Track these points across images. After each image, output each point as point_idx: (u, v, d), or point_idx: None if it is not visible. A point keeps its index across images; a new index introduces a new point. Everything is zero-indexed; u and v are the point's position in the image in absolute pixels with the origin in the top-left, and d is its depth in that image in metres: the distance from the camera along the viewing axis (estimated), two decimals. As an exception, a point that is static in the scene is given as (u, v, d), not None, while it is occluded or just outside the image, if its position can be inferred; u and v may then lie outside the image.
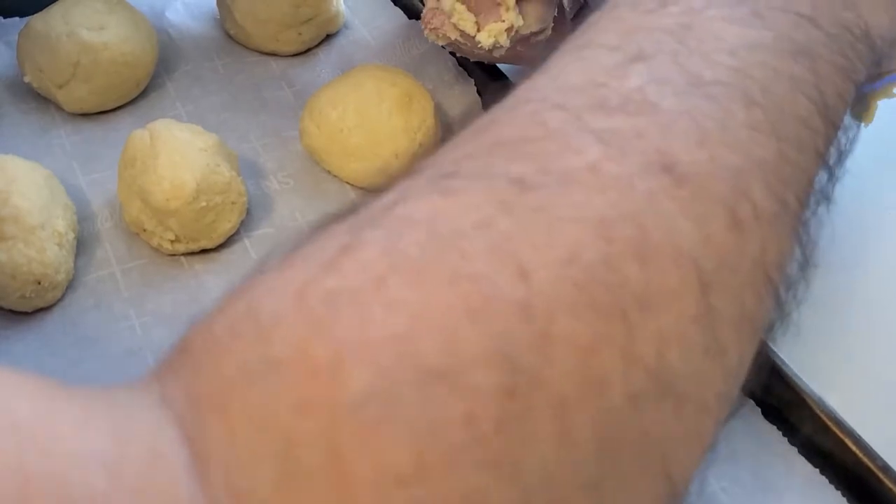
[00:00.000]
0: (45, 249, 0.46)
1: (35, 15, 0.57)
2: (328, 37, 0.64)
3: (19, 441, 0.17)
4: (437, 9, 0.52)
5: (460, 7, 0.51)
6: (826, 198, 0.27)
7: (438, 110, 0.55)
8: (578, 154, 0.22)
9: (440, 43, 0.54)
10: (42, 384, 0.19)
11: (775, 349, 0.44)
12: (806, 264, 0.26)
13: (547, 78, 0.25)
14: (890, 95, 0.47)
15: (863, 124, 0.48)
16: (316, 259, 0.20)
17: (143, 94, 0.59)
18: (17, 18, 0.61)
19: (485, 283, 0.19)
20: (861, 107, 0.48)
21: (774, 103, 0.25)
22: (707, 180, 0.23)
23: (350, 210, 0.23)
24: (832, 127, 0.27)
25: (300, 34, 0.61)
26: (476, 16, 0.52)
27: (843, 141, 0.28)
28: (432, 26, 0.53)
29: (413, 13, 0.64)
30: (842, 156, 0.29)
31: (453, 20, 0.52)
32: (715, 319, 0.22)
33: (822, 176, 0.27)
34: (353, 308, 0.19)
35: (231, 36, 0.63)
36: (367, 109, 0.53)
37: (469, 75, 0.60)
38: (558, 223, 0.21)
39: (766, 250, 0.24)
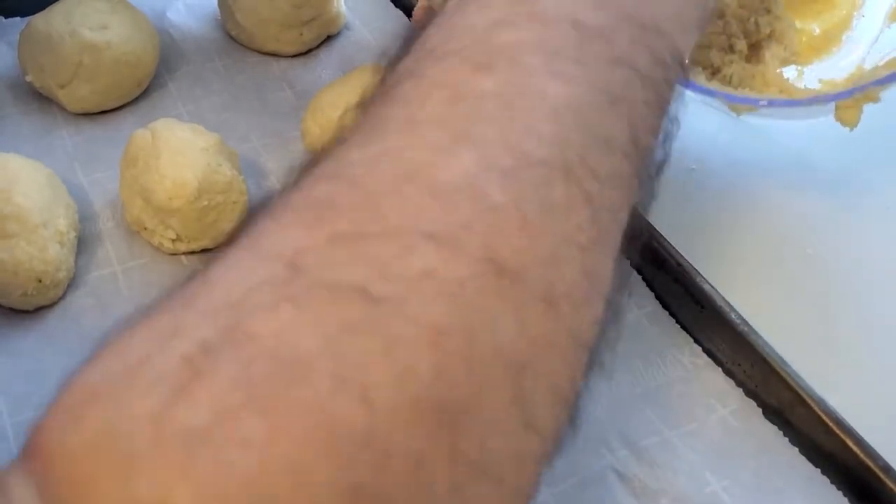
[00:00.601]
0: (47, 248, 0.46)
1: (37, 15, 0.57)
2: (329, 37, 0.64)
3: None
4: (429, 7, 0.53)
5: None
6: (635, 236, 0.29)
7: (440, 111, 0.55)
8: (414, 256, 0.23)
9: (418, 27, 0.55)
10: None
11: (776, 350, 0.44)
12: (617, 312, 0.28)
13: (380, 149, 0.26)
14: (874, 100, 0.47)
15: (848, 130, 0.48)
16: (167, 380, 0.21)
17: (144, 94, 0.59)
18: (18, 18, 0.61)
19: (331, 415, 0.20)
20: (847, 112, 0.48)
21: (591, 171, 0.26)
22: (525, 271, 0.24)
23: (190, 285, 0.23)
24: (644, 171, 0.29)
25: (301, 35, 0.62)
26: None
27: (651, 169, 0.30)
28: (421, 5, 0.54)
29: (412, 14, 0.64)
30: (653, 184, 0.31)
31: None
32: (529, 399, 0.24)
33: (629, 220, 0.29)
34: (209, 450, 0.20)
35: (232, 36, 0.63)
36: (368, 109, 0.53)
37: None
38: (396, 342, 0.22)
39: (578, 320, 0.25)
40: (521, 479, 0.24)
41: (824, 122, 0.49)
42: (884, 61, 0.49)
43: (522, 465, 0.24)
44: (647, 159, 0.29)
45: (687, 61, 0.32)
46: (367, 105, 0.28)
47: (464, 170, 0.24)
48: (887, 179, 0.55)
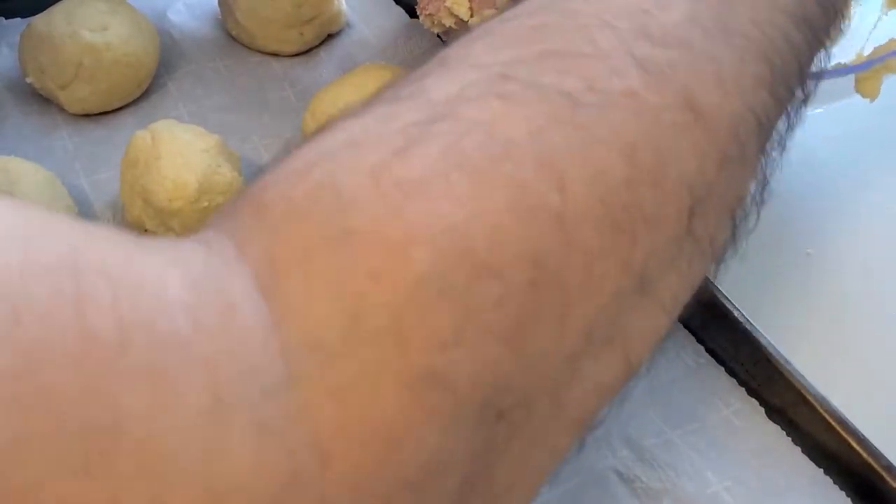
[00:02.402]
0: (47, 250, 0.46)
1: (37, 16, 0.57)
2: (330, 36, 0.64)
3: (115, 289, 0.19)
4: None
5: None
6: (781, 147, 0.32)
7: (440, 110, 0.55)
8: (621, 78, 0.25)
9: (435, 30, 0.55)
10: (121, 236, 0.21)
11: (779, 349, 0.44)
12: (760, 200, 0.31)
13: None
14: (893, 70, 0.48)
15: (868, 101, 0.49)
16: (387, 143, 0.23)
17: (144, 95, 0.59)
18: (18, 20, 0.61)
19: (531, 192, 0.22)
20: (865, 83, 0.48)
21: (775, 63, 0.28)
22: (714, 121, 0.26)
23: (413, 84, 0.25)
24: (802, 91, 0.32)
25: (302, 34, 0.61)
26: (470, 1, 0.52)
27: (802, 101, 0.33)
28: (428, 12, 0.54)
29: (414, 12, 0.64)
30: (799, 113, 0.33)
31: (448, 4, 0.52)
32: (689, 240, 0.26)
33: (783, 127, 0.31)
34: (422, 197, 0.22)
35: (233, 36, 0.63)
36: (368, 109, 0.52)
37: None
38: (596, 144, 0.24)
39: (736, 186, 0.28)
40: (665, 310, 0.26)
41: (824, 121, 0.49)
42: None
43: (669, 296, 0.26)
44: (805, 88, 0.32)
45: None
46: None
47: (674, 19, 0.27)
48: (889, 179, 0.55)
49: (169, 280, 0.20)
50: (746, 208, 0.29)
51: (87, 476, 0.17)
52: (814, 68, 0.33)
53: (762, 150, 0.29)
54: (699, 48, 0.27)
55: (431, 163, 0.22)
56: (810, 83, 0.33)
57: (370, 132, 0.24)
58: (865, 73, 0.48)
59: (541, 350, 0.22)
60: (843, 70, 0.48)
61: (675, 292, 0.27)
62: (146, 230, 0.49)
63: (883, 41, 0.51)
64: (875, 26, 0.52)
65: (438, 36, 0.60)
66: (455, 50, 0.27)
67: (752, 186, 0.29)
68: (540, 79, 0.25)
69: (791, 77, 0.30)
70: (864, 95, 0.49)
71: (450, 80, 0.25)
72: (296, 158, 0.24)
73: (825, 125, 0.49)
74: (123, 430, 0.17)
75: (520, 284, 0.22)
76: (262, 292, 0.21)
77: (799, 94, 0.32)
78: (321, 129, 0.25)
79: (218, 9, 0.63)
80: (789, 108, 0.31)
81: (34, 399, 0.17)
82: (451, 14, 0.52)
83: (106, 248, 0.20)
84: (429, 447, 0.20)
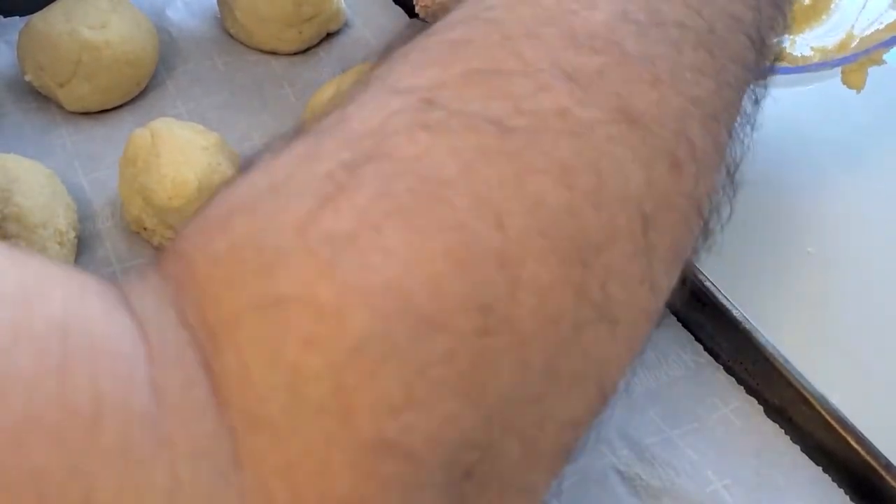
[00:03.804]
0: (47, 248, 0.46)
1: (36, 14, 0.56)
2: (329, 35, 0.64)
3: (94, 362, 0.19)
4: None
5: None
6: (751, 123, 0.30)
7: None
8: (549, 95, 0.23)
9: (430, 21, 0.55)
10: (106, 289, 0.21)
11: (778, 348, 0.44)
12: (731, 186, 0.29)
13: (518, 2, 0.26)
14: (879, 62, 0.48)
15: (855, 92, 0.49)
16: (312, 192, 0.22)
17: (143, 93, 0.59)
18: (17, 17, 0.61)
19: (468, 233, 0.21)
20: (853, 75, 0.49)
21: (718, 44, 0.27)
22: (654, 124, 0.24)
23: (336, 113, 0.24)
24: (763, 61, 0.30)
25: (301, 33, 0.61)
26: None
27: (768, 67, 0.31)
28: (423, 3, 0.54)
29: (413, 11, 0.64)
30: (766, 85, 0.32)
31: None
32: (651, 253, 0.24)
33: (749, 105, 0.30)
34: (353, 253, 0.20)
35: (231, 34, 0.63)
36: (368, 108, 0.52)
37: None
38: (528, 172, 0.22)
39: (698, 185, 0.26)
40: (634, 330, 0.25)
41: (825, 120, 0.49)
42: (885, 24, 0.50)
43: (637, 317, 0.25)
44: (767, 57, 0.30)
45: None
46: None
47: (602, 20, 0.25)
48: (891, 177, 0.55)
49: (137, 351, 0.20)
50: (717, 200, 0.28)
51: None
52: (775, 35, 0.31)
53: (720, 137, 0.27)
54: (631, 48, 0.25)
55: (361, 212, 0.21)
56: (772, 48, 0.31)
57: (294, 177, 0.22)
58: (851, 65, 0.48)
59: (501, 398, 0.21)
60: (828, 63, 0.48)
61: (648, 310, 0.25)
62: (146, 228, 0.49)
63: (873, 17, 0.51)
64: (865, 5, 0.53)
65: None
66: (378, 70, 0.26)
67: (721, 176, 0.28)
68: (465, 105, 0.23)
69: (742, 53, 0.28)
70: (850, 87, 0.49)
71: (373, 108, 0.24)
72: (218, 204, 0.23)
73: (826, 125, 0.49)
74: None
75: (468, 334, 0.21)
76: (203, 365, 0.20)
77: (760, 63, 0.30)
78: (244, 167, 0.24)
79: (217, 7, 0.63)
80: (751, 85, 0.30)
81: (17, 476, 0.17)
82: (445, 7, 0.52)
83: (93, 308, 0.20)
84: None
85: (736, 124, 0.29)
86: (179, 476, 0.18)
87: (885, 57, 0.48)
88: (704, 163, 0.26)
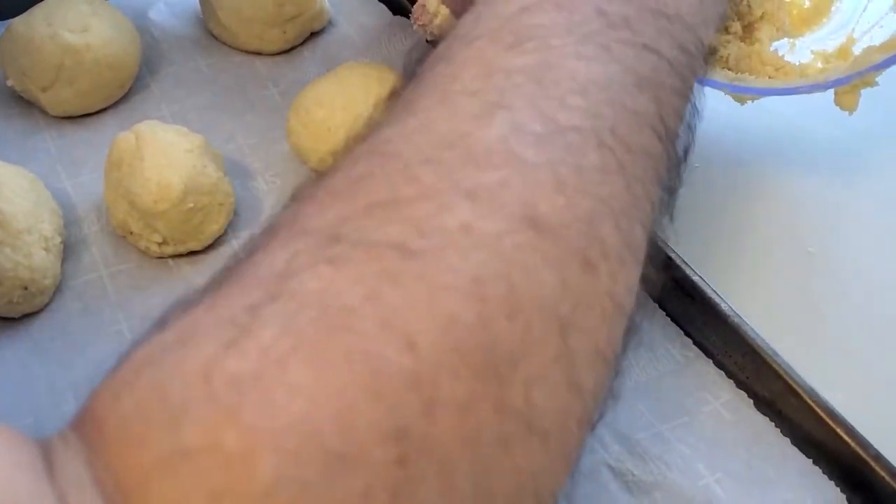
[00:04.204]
0: (32, 254, 0.45)
1: (16, 18, 0.56)
2: (313, 35, 0.63)
3: None
4: (424, 6, 0.53)
5: (444, 10, 0.52)
6: (667, 211, 0.30)
7: (425, 107, 0.55)
8: (451, 213, 0.23)
9: (427, 38, 0.55)
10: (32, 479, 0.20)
11: (768, 341, 0.44)
12: (655, 274, 0.29)
13: (416, 123, 0.26)
14: (871, 84, 0.48)
15: (847, 114, 0.49)
16: (217, 336, 0.21)
17: (127, 96, 0.58)
18: (-3, 22, 0.61)
19: (376, 358, 0.21)
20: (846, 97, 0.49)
21: (621, 141, 0.26)
22: (563, 228, 0.24)
23: (242, 260, 0.24)
24: (672, 148, 0.30)
25: (284, 32, 0.61)
26: (457, 18, 0.53)
27: (679, 152, 0.31)
28: (420, 23, 0.54)
29: (397, 9, 0.64)
30: (680, 167, 0.31)
31: (437, 22, 0.52)
32: (573, 357, 0.24)
33: (663, 196, 0.29)
34: (258, 394, 0.20)
35: (214, 35, 0.63)
36: (353, 107, 0.52)
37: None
38: (437, 290, 0.22)
39: (616, 282, 0.25)
40: (566, 438, 0.24)
41: (825, 118, 0.49)
42: (876, 41, 0.50)
43: (567, 424, 0.24)
44: (674, 141, 0.30)
45: (708, 52, 0.33)
46: (397, 92, 0.29)
47: (498, 134, 0.25)
48: (891, 177, 0.55)
49: None
50: (640, 296, 0.27)
51: None
52: (680, 121, 0.31)
53: (634, 234, 0.27)
54: (531, 157, 0.25)
55: (265, 351, 0.21)
56: (677, 132, 0.30)
57: (198, 325, 0.22)
58: (845, 87, 0.48)
59: None
60: (821, 85, 0.48)
61: (579, 414, 0.24)
62: (132, 232, 0.49)
63: (873, 20, 0.51)
64: (865, 8, 0.53)
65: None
66: (284, 216, 0.26)
67: (638, 271, 0.27)
68: (366, 235, 0.23)
69: (648, 147, 0.28)
70: (842, 108, 0.49)
71: (278, 250, 0.24)
72: (128, 361, 0.23)
73: (826, 125, 0.49)
74: None
75: (385, 466, 0.20)
76: None
77: (668, 155, 0.29)
78: (158, 324, 0.24)
79: (199, 8, 0.63)
80: (665, 171, 0.29)
81: None
82: (441, 28, 0.53)
83: (13, 478, 0.20)
84: None
85: (651, 219, 0.28)
86: None
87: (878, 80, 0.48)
88: (620, 260, 0.26)
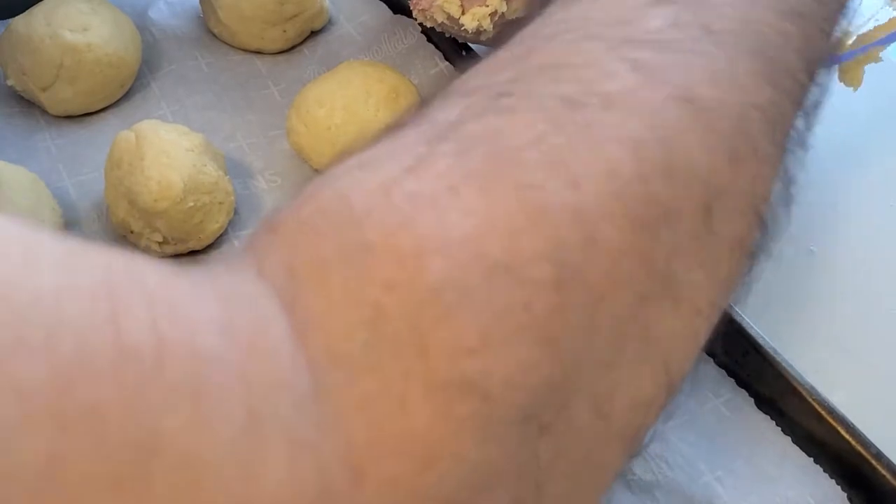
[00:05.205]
0: (33, 254, 0.45)
1: (16, 17, 0.56)
2: (313, 33, 0.63)
3: (152, 308, 0.19)
4: None
5: None
6: (802, 144, 0.31)
7: (425, 106, 0.55)
8: (616, 79, 0.25)
9: (428, 24, 0.55)
10: (155, 261, 0.21)
11: (768, 339, 0.44)
12: (788, 200, 0.30)
13: (578, 11, 0.28)
14: (876, 60, 0.48)
15: (852, 89, 0.49)
16: (396, 163, 0.23)
17: (127, 95, 0.58)
18: (-3, 21, 0.61)
19: (542, 192, 0.22)
20: (848, 72, 0.49)
21: (770, 56, 0.28)
22: (716, 117, 0.25)
23: (417, 114, 0.26)
24: (812, 82, 0.31)
25: (285, 31, 0.61)
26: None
27: (817, 95, 0.32)
28: (421, 7, 0.54)
29: (398, 7, 0.64)
30: (816, 107, 0.32)
31: (439, 3, 0.52)
32: (712, 238, 0.25)
33: (801, 123, 0.30)
34: (432, 210, 0.22)
35: (215, 34, 0.63)
36: (354, 106, 0.52)
37: (455, 69, 0.59)
38: (602, 141, 0.24)
39: (755, 184, 0.27)
40: (694, 316, 0.25)
41: (827, 117, 0.49)
42: (883, 21, 0.50)
43: (697, 302, 0.25)
44: (812, 75, 0.31)
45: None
46: None
47: (658, 26, 0.27)
48: (892, 176, 0.55)
49: (203, 299, 0.20)
50: (773, 208, 0.29)
51: (124, 495, 0.17)
52: (823, 60, 0.32)
53: (778, 146, 0.28)
54: (688, 48, 0.26)
55: (439, 177, 0.22)
56: (822, 74, 0.32)
57: (378, 154, 0.24)
58: (849, 62, 0.48)
59: (574, 354, 0.22)
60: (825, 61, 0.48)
61: (708, 296, 0.26)
62: (132, 231, 0.49)
63: (865, 18, 0.51)
64: (860, 2, 0.53)
65: (424, 32, 0.60)
66: (454, 84, 0.27)
67: (776, 185, 0.28)
68: (537, 89, 0.25)
69: (793, 69, 0.29)
70: (847, 84, 0.49)
71: (451, 105, 0.25)
72: (308, 188, 0.24)
73: (828, 122, 0.49)
74: (162, 447, 0.17)
75: (544, 284, 0.21)
76: (284, 307, 0.21)
77: (809, 85, 0.31)
78: (331, 163, 0.25)
79: (199, 7, 0.63)
80: (803, 103, 0.31)
81: (72, 416, 0.17)
82: (443, 11, 0.53)
83: (141, 271, 0.20)
84: (468, 462, 0.20)
85: (789, 140, 0.29)
86: (255, 411, 0.18)
87: (882, 55, 0.48)
88: (762, 164, 0.27)
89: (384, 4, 0.65)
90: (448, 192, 0.22)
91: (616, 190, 0.23)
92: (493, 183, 0.22)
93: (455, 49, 0.59)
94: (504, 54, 0.28)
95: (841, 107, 0.49)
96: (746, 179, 0.26)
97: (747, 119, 0.26)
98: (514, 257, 0.21)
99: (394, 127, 0.26)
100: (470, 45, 0.59)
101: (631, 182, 0.23)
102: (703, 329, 0.26)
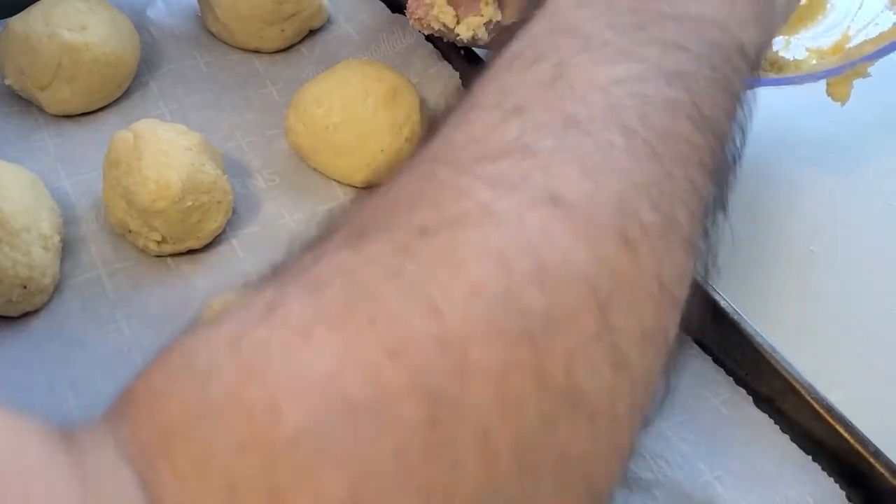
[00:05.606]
0: (31, 253, 0.45)
1: (14, 16, 0.56)
2: (311, 33, 0.63)
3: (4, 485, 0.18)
4: (421, 0, 0.53)
5: (441, 0, 0.52)
6: (721, 206, 0.29)
7: (423, 104, 0.55)
8: (469, 198, 0.23)
9: (424, 31, 0.55)
10: (13, 424, 0.20)
11: (767, 338, 0.44)
12: (708, 271, 0.28)
13: (437, 142, 0.27)
14: (864, 75, 0.48)
15: (840, 105, 0.49)
16: (245, 315, 0.22)
17: (125, 95, 0.58)
18: (-6, 20, 0.61)
19: (400, 323, 0.21)
20: (838, 88, 0.49)
21: (652, 127, 0.26)
22: (594, 207, 0.24)
23: (272, 272, 0.25)
24: (714, 139, 0.28)
25: (283, 30, 0.61)
26: (455, 9, 0.53)
27: (731, 149, 0.30)
28: (416, 16, 0.54)
29: (396, 7, 0.64)
30: (733, 162, 0.30)
31: (434, 13, 0.53)
32: (616, 335, 0.23)
33: (712, 187, 0.28)
34: (283, 355, 0.20)
35: (213, 34, 0.63)
36: (352, 106, 0.52)
37: (454, 68, 0.59)
38: (462, 262, 0.22)
39: (661, 264, 0.25)
40: (616, 423, 0.23)
41: (826, 118, 0.49)
42: (871, 36, 0.50)
43: (615, 406, 0.23)
44: (717, 133, 0.29)
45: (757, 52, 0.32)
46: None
47: (515, 134, 0.25)
48: (892, 175, 0.55)
49: (74, 489, 0.19)
50: (696, 272, 0.27)
51: None
52: (725, 107, 0.30)
53: (683, 208, 0.26)
54: (550, 147, 0.25)
55: (290, 321, 0.21)
56: (724, 125, 0.29)
57: (231, 310, 0.23)
58: (837, 77, 0.48)
59: (469, 499, 0.20)
60: (814, 75, 0.48)
61: (628, 398, 0.24)
62: (130, 231, 0.49)
63: (868, 17, 0.51)
64: (861, 5, 0.53)
65: (422, 32, 0.60)
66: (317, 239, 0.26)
67: (690, 259, 0.27)
68: (388, 223, 0.24)
69: (683, 132, 0.27)
70: (835, 99, 0.49)
71: (308, 253, 0.24)
72: (164, 348, 0.23)
73: (829, 124, 0.49)
74: None
75: (415, 423, 0.20)
76: (142, 484, 0.20)
77: (711, 139, 0.28)
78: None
79: (197, 6, 0.63)
80: (709, 160, 0.28)
81: None
82: (438, 20, 0.53)
83: (29, 448, 0.20)
84: None
85: (701, 206, 0.27)
86: None
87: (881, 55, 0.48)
88: (663, 242, 0.25)
89: (382, 3, 0.65)
90: (299, 335, 0.21)
91: (482, 310, 0.21)
92: (347, 320, 0.21)
93: (453, 49, 0.59)
94: (368, 198, 0.27)
95: (839, 106, 0.49)
96: (648, 262, 0.24)
97: (631, 200, 0.24)
98: (377, 395, 0.19)
99: (251, 285, 0.25)
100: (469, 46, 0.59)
101: (498, 297, 0.22)
102: (626, 438, 0.24)
